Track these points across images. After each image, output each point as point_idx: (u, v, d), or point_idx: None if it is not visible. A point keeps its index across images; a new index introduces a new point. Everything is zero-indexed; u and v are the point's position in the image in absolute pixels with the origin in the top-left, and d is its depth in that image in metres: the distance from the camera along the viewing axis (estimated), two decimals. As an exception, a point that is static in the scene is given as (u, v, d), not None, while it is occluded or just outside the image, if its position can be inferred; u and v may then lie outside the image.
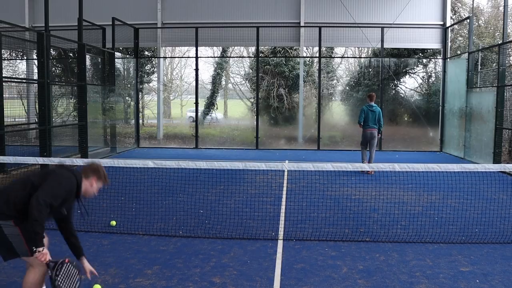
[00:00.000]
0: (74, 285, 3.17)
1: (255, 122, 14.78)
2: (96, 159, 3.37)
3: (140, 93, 17.09)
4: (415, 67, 17.79)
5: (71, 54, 15.77)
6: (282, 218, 6.12)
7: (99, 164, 3.48)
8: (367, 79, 17.15)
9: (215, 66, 18.94)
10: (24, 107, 12.20)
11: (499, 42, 12.08)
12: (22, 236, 3.07)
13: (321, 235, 5.32)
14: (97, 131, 12.81)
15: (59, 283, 3.02)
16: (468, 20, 13.92)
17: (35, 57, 13.62)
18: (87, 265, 3.41)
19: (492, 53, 15.03)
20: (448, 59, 14.58)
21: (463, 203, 7.03)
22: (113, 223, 5.68)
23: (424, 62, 17.93)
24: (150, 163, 5.36)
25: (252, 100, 18.74)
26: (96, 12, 14.91)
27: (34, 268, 3.15)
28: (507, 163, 11.92)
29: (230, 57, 19.76)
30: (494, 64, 14.09)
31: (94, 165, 3.46)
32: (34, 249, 2.98)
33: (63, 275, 3.07)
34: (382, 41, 14.51)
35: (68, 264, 3.15)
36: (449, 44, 14.93)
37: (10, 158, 5.96)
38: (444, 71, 14.67)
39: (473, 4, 14.82)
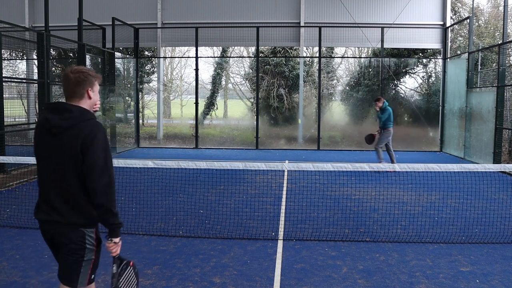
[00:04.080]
0: None
1: (255, 122, 14.78)
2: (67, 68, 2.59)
3: (140, 93, 17.09)
4: (415, 67, 17.79)
5: (71, 54, 15.77)
6: (282, 218, 6.12)
7: (76, 70, 2.55)
8: (367, 79, 17.14)
9: (215, 66, 18.94)
10: (24, 107, 12.19)
11: (499, 42, 12.09)
12: (92, 264, 2.61)
13: (321, 235, 5.32)
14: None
15: (121, 284, 2.65)
16: (468, 20, 13.93)
17: (35, 57, 13.63)
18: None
19: (492, 53, 15.03)
20: (448, 59, 14.58)
21: (463, 203, 7.03)
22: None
23: (424, 62, 17.92)
24: (150, 163, 5.36)
25: (252, 100, 18.74)
26: (96, 12, 14.93)
27: None
28: (507, 163, 11.92)
29: (230, 57, 19.76)
30: (494, 64, 14.09)
31: (69, 78, 2.52)
32: (110, 239, 2.54)
33: (125, 277, 2.70)
34: (382, 41, 14.51)
35: (132, 267, 2.78)
36: (449, 44, 14.93)
37: (10, 158, 5.96)
38: (444, 71, 14.67)
39: (473, 4, 14.81)
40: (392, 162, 10.18)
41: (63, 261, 2.57)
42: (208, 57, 20.00)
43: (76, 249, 2.52)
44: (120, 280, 2.64)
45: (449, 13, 15.06)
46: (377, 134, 10.51)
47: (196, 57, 14.87)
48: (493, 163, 10.49)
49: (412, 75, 18.02)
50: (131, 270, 2.76)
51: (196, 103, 14.98)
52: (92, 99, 2.59)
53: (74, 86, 2.52)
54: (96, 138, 2.44)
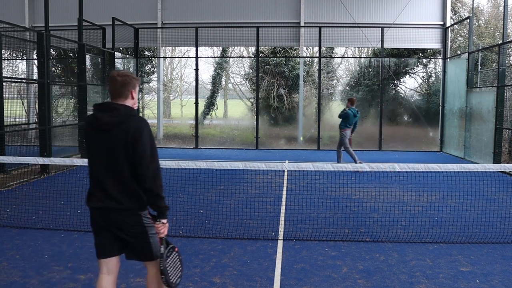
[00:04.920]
0: (176, 276, 2.94)
1: (255, 122, 14.78)
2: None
3: (140, 93, 17.09)
4: (415, 67, 17.79)
5: (71, 54, 15.77)
6: (282, 218, 6.12)
7: (122, 73, 2.86)
8: (367, 79, 17.14)
9: (215, 66, 18.94)
10: (24, 107, 12.20)
11: (499, 42, 12.09)
12: (158, 236, 2.93)
13: (321, 235, 5.32)
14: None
15: (167, 266, 2.87)
16: (468, 20, 13.93)
17: (35, 57, 13.63)
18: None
19: (492, 53, 15.03)
20: (448, 59, 14.58)
21: (463, 203, 7.03)
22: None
23: (424, 62, 17.93)
24: (150, 163, 5.35)
25: (252, 100, 18.74)
26: (96, 12, 14.93)
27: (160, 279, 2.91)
28: (507, 163, 11.92)
29: (230, 57, 19.76)
30: (494, 64, 14.10)
31: (116, 80, 2.83)
32: (159, 220, 2.86)
33: (171, 260, 2.94)
34: (382, 41, 14.51)
35: (177, 253, 3.00)
36: (449, 44, 14.93)
37: (10, 158, 5.96)
38: (444, 71, 14.67)
39: (473, 4, 14.81)
40: (339, 160, 10.67)
41: (134, 245, 2.86)
42: (208, 57, 20.00)
43: (138, 231, 2.83)
44: (168, 261, 2.87)
45: (449, 13, 15.06)
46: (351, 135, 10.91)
47: (196, 57, 14.88)
48: (493, 163, 10.49)
49: (412, 75, 18.02)
50: (176, 256, 2.98)
51: (196, 103, 14.98)
52: (134, 99, 2.91)
53: (120, 88, 2.83)
54: (144, 132, 2.75)
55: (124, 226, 2.81)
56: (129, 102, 2.86)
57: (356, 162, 10.07)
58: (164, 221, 2.87)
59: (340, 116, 10.52)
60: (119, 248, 2.90)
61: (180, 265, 3.01)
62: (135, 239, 2.83)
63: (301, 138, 12.33)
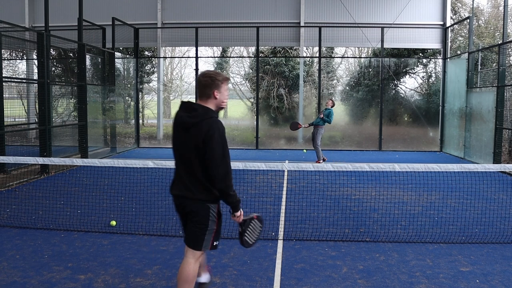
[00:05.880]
0: (256, 235, 3.41)
1: (255, 122, 14.78)
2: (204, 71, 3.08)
3: (140, 93, 17.10)
4: (415, 67, 17.80)
5: (71, 54, 15.78)
6: (282, 218, 6.12)
7: (205, 74, 3.06)
8: (367, 79, 17.15)
9: (215, 66, 18.94)
10: (24, 107, 12.20)
11: (499, 42, 12.09)
12: (214, 233, 3.19)
13: (321, 235, 5.32)
14: (97, 131, 12.82)
15: (246, 237, 3.31)
16: (468, 20, 13.93)
17: (35, 57, 13.63)
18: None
19: (492, 53, 15.03)
20: (448, 59, 14.58)
21: (463, 203, 7.03)
22: (113, 223, 5.68)
23: (424, 62, 17.93)
24: (150, 163, 5.36)
25: (252, 100, 18.74)
26: (96, 12, 14.93)
27: (197, 261, 3.18)
28: (507, 163, 11.92)
29: (230, 57, 19.76)
30: (494, 64, 14.10)
31: (199, 81, 3.06)
32: (232, 213, 3.18)
33: (249, 230, 3.34)
34: (382, 41, 14.51)
35: (256, 220, 3.41)
36: (449, 44, 14.93)
37: (10, 158, 5.96)
38: (444, 71, 14.67)
39: (473, 4, 14.82)
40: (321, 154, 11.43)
41: (191, 229, 3.15)
42: (208, 57, 20.01)
43: (201, 220, 3.09)
44: (246, 231, 3.31)
45: (449, 13, 15.06)
46: (305, 126, 11.89)
47: (196, 57, 14.88)
48: (493, 163, 10.50)
49: (412, 75, 18.03)
50: (255, 222, 3.39)
51: (196, 103, 14.96)
52: (218, 99, 3.06)
53: (203, 88, 3.05)
54: (215, 135, 2.92)
55: (191, 213, 3.10)
56: (211, 103, 3.04)
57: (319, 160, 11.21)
58: (237, 213, 3.18)
59: (330, 116, 11.14)
60: None
61: (259, 224, 3.43)
62: (193, 225, 3.11)
63: (304, 151, 12.52)
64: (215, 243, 3.24)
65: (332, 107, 11.29)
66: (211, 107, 3.05)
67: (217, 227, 3.21)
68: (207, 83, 3.03)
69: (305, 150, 12.62)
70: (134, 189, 7.44)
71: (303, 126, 11.87)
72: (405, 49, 16.89)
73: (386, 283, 4.01)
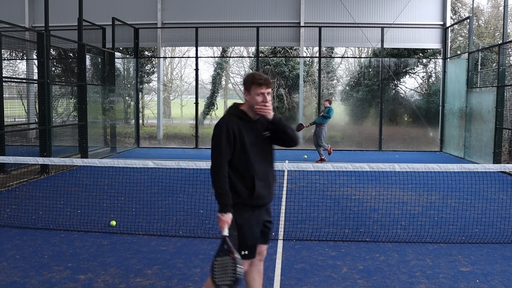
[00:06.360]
0: (223, 280, 2.79)
1: (255, 122, 14.74)
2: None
3: (140, 93, 17.09)
4: (415, 67, 17.80)
5: (71, 54, 15.78)
6: (282, 218, 6.11)
7: (250, 74, 3.02)
8: (367, 79, 17.15)
9: (215, 66, 18.94)
10: (24, 107, 12.20)
11: (499, 42, 12.09)
12: (238, 237, 3.03)
13: (321, 235, 5.32)
14: (97, 131, 12.82)
15: (215, 267, 2.78)
16: (468, 20, 13.93)
17: (35, 57, 13.64)
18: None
19: (492, 53, 15.03)
20: (448, 59, 14.58)
21: (463, 203, 7.03)
22: (113, 223, 5.68)
23: (424, 62, 17.93)
24: (150, 163, 5.36)
25: (252, 100, 18.70)
26: (96, 12, 14.92)
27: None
28: (507, 163, 11.92)
29: (230, 57, 19.76)
30: (494, 64, 14.09)
31: (246, 77, 3.03)
32: (219, 214, 2.96)
33: (220, 262, 2.80)
34: (382, 41, 14.51)
35: (231, 259, 2.81)
36: (449, 44, 14.93)
37: (10, 158, 5.96)
38: (444, 71, 14.67)
39: (473, 4, 14.82)
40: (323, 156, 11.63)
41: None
42: (208, 57, 20.02)
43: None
44: (216, 264, 2.78)
45: (449, 13, 15.06)
46: (307, 126, 11.98)
47: (196, 57, 14.88)
48: (493, 163, 10.49)
49: (412, 75, 18.03)
50: (227, 260, 2.80)
51: (196, 103, 14.98)
52: (249, 101, 2.95)
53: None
54: (214, 132, 2.96)
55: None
56: (245, 104, 3.02)
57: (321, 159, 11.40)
58: (219, 214, 2.96)
59: (330, 112, 11.38)
60: None
61: (232, 270, 2.80)
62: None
63: (305, 156, 12.61)
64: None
65: (329, 105, 11.55)
66: (244, 108, 2.99)
67: (238, 233, 3.03)
68: (243, 83, 3.05)
69: (305, 156, 12.65)
70: (134, 189, 7.44)
71: (305, 126, 11.93)
72: (405, 49, 16.89)
73: (386, 283, 4.01)
